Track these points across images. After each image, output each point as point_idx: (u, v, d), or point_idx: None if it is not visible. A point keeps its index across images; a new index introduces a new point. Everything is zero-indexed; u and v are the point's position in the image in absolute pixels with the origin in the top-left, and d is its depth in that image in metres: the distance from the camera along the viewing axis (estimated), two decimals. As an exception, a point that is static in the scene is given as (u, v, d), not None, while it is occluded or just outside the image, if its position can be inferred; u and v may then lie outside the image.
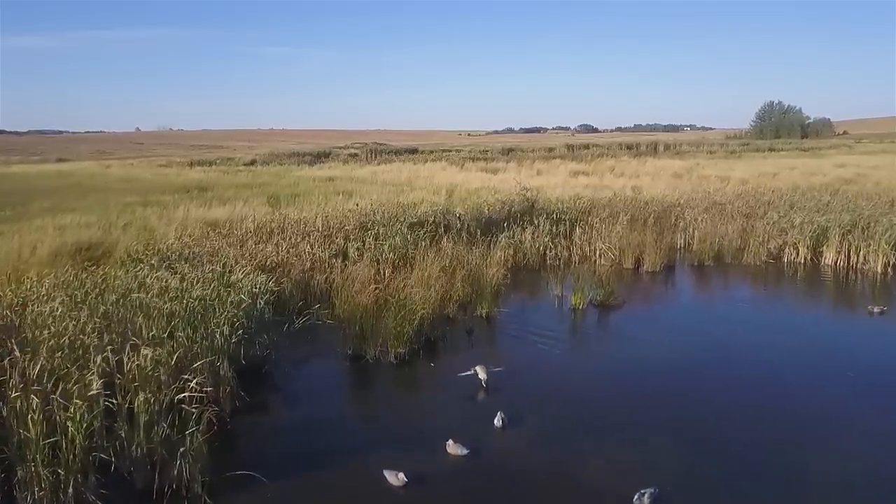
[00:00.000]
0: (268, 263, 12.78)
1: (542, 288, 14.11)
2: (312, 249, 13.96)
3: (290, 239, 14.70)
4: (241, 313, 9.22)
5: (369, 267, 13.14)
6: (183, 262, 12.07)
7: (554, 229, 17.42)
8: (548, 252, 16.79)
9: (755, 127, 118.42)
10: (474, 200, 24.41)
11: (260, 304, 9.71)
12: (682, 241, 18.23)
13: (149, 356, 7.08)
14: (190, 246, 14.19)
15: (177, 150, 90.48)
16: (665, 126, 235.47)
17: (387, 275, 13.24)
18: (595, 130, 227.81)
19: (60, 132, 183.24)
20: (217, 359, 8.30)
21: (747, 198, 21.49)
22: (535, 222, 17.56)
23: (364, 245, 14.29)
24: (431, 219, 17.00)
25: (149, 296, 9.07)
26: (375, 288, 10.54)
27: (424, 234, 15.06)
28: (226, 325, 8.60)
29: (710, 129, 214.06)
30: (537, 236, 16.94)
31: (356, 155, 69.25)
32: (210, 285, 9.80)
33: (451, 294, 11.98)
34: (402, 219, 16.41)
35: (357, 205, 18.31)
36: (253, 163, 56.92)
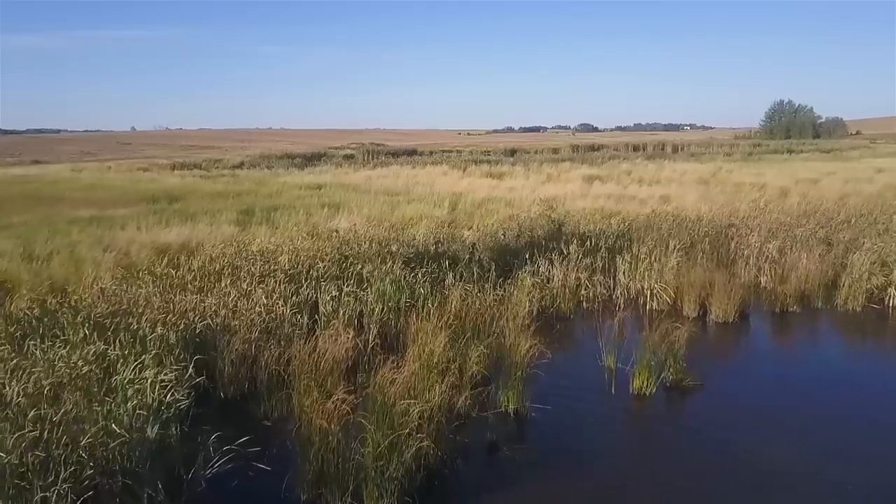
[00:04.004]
0: (199, 330, 8.92)
1: (586, 354, 10.25)
2: (270, 300, 10.13)
3: (242, 283, 10.89)
4: (120, 449, 5.50)
5: (346, 330, 9.37)
6: (73, 328, 8.30)
7: (590, 262, 13.58)
8: (582, 291, 12.99)
9: (765, 126, 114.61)
10: (482, 215, 20.71)
11: (152, 430, 5.90)
12: (748, 274, 14.38)
13: None
14: (106, 296, 10.43)
15: (165, 150, 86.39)
16: (665, 125, 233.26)
17: (370, 341, 9.55)
18: (595, 129, 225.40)
19: (58, 131, 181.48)
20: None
21: (817, 216, 17.69)
22: (565, 251, 13.69)
23: (341, 296, 10.39)
24: (433, 248, 13.23)
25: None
26: (347, 394, 6.65)
27: (424, 275, 11.22)
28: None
29: (711, 128, 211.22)
30: (570, 270, 13.12)
31: (352, 156, 65.49)
32: (75, 395, 6.03)
33: (463, 376, 8.21)
34: (395, 250, 12.63)
35: (337, 232, 14.46)
36: (241, 165, 53.24)
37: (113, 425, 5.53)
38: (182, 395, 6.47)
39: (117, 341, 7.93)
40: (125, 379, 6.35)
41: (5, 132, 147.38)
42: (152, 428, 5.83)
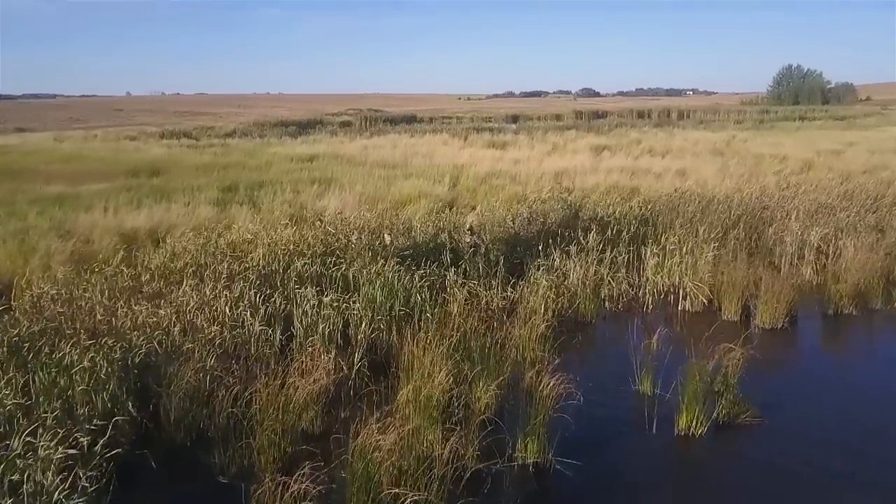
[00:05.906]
0: (143, 354, 7.20)
1: (616, 375, 8.41)
2: (235, 311, 8.40)
3: (206, 286, 9.15)
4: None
5: (326, 350, 7.69)
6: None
7: (612, 253, 11.82)
8: (604, 289, 11.25)
9: (773, 92, 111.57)
10: (486, 193, 18.96)
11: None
12: (791, 267, 12.64)
13: None
14: (40, 305, 8.73)
15: (158, 116, 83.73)
16: (667, 90, 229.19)
17: (355, 363, 7.86)
18: (597, 94, 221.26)
19: (54, 96, 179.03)
20: None
21: (862, 196, 15.87)
22: (583, 241, 11.94)
23: (321, 306, 8.63)
24: (432, 242, 11.48)
25: None
26: (312, 481, 4.94)
27: (422, 278, 9.47)
28: None
29: (714, 93, 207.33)
30: (589, 264, 11.38)
31: (349, 123, 63.31)
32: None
33: (470, 421, 6.53)
34: (388, 244, 10.89)
35: (321, 221, 12.66)
36: (232, 133, 51.11)
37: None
38: (94, 477, 4.77)
39: (35, 376, 6.32)
40: (12, 453, 4.65)
41: (1, 97, 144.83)
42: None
